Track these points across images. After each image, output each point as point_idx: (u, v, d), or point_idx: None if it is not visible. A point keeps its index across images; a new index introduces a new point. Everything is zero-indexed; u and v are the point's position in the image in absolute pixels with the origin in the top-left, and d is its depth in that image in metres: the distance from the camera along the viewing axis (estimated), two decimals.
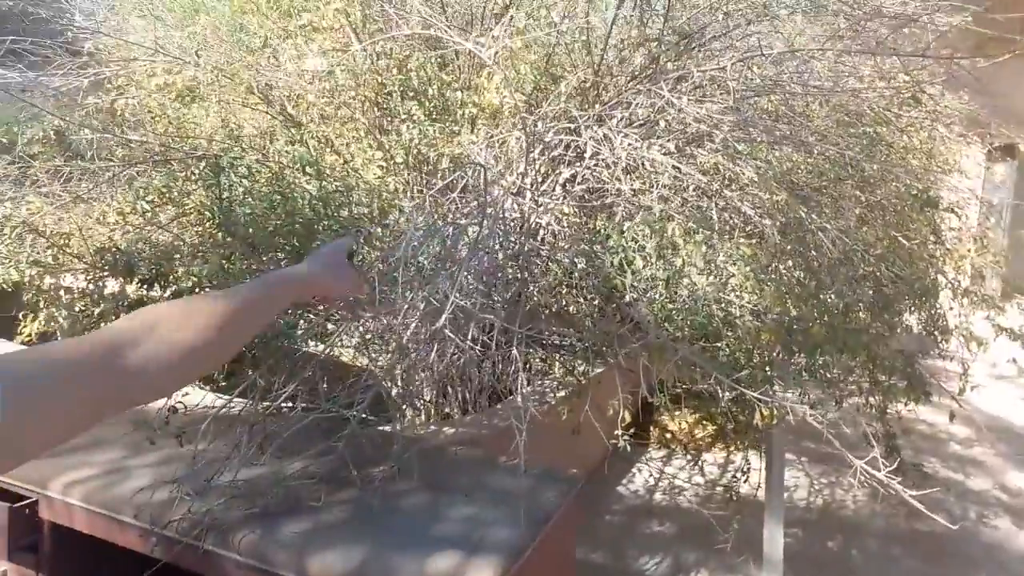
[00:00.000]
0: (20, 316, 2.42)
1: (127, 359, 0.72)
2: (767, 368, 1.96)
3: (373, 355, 1.85)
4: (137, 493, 1.65)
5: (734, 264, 1.78)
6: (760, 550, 2.51)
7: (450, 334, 1.56)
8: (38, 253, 2.15)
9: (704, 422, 4.26)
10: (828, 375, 1.83)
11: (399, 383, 1.89)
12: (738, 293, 1.76)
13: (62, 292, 2.14)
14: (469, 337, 1.66)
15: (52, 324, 2.36)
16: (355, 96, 2.28)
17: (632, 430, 4.06)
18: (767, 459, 2.21)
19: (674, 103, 1.91)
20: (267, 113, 2.43)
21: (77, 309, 1.83)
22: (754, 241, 2.10)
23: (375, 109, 2.45)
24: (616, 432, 2.18)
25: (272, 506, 1.59)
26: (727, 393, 1.70)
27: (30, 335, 2.51)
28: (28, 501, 1.76)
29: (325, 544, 1.48)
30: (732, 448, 3.95)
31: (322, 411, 1.68)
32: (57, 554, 1.81)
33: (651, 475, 3.73)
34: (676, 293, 1.81)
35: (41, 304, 2.35)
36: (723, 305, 1.82)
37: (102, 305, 1.79)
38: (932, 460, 4.16)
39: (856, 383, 2.09)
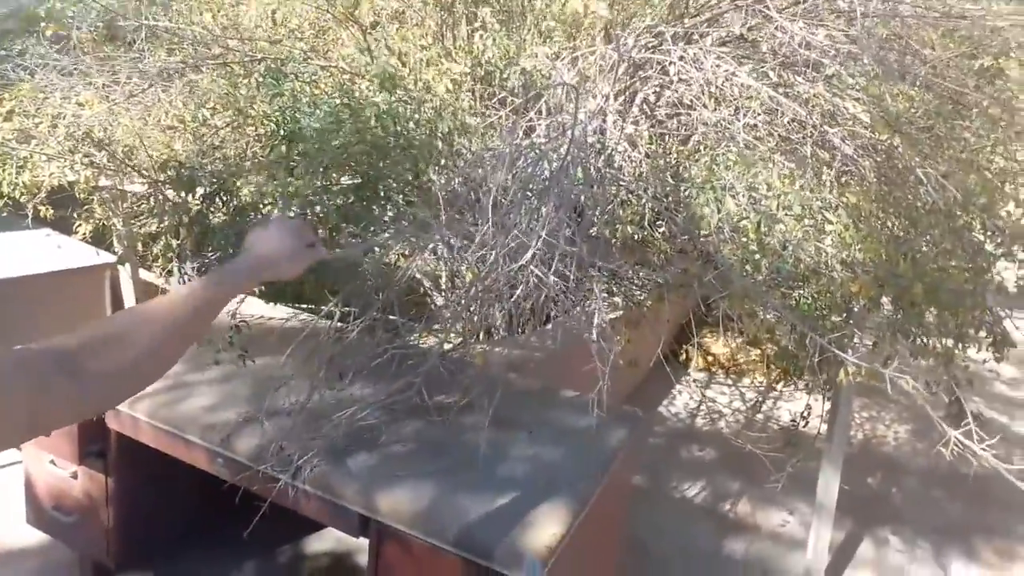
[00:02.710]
0: (75, 215, 2.39)
1: (82, 371, 0.74)
2: (849, 319, 1.87)
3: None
4: (205, 414, 1.64)
5: (833, 211, 1.65)
6: (799, 480, 2.50)
7: (536, 271, 1.47)
8: (92, 154, 2.08)
9: (747, 347, 4.20)
10: (920, 332, 1.73)
11: (468, 315, 1.83)
12: (834, 242, 1.64)
13: (118, 200, 2.08)
14: (552, 271, 1.57)
15: (107, 227, 2.33)
16: (425, 1, 2.10)
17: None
18: (832, 404, 2.15)
19: (783, 25, 1.72)
20: (327, 12, 2.27)
21: (136, 222, 1.76)
22: (847, 182, 1.95)
23: (443, 13, 2.28)
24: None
25: (340, 433, 1.57)
26: (808, 344, 1.62)
27: (84, 235, 2.48)
28: None
29: (393, 480, 1.46)
30: (774, 375, 3.92)
31: (401, 347, 1.63)
32: (124, 461, 1.84)
33: (691, 398, 3.72)
34: (764, 237, 1.70)
35: (96, 205, 2.31)
36: (813, 252, 1.71)
37: (165, 219, 1.73)
38: (976, 400, 4.08)
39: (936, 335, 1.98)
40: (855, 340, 1.72)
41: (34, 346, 0.73)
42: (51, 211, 2.41)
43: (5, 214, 2.48)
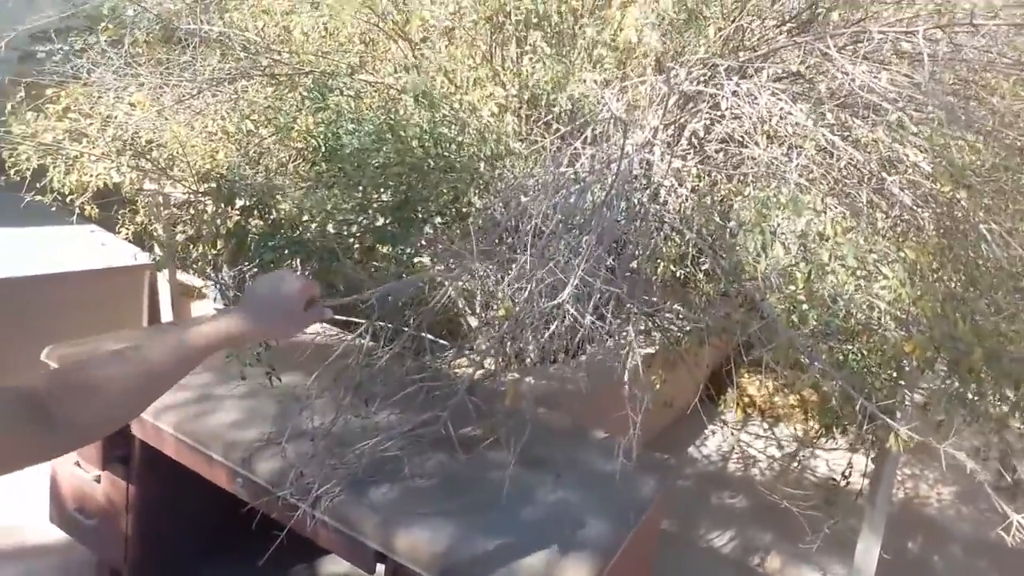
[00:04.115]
0: (119, 215, 2.42)
1: (52, 417, 0.74)
2: (899, 379, 1.77)
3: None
4: (228, 430, 1.62)
5: (889, 265, 1.57)
6: (835, 538, 2.39)
7: (572, 310, 1.42)
8: (140, 155, 2.09)
9: (785, 390, 4.07)
10: (976, 399, 1.63)
11: (502, 345, 1.79)
12: (888, 300, 1.55)
13: (160, 202, 2.09)
14: (590, 307, 1.52)
15: (149, 229, 2.35)
16: (476, 20, 2.07)
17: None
18: (877, 465, 2.04)
19: (844, 67, 1.65)
20: (378, 27, 2.26)
21: (177, 229, 1.76)
22: (903, 232, 1.86)
23: (493, 32, 2.25)
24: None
25: (362, 463, 1.53)
26: (857, 408, 1.53)
27: (127, 235, 2.51)
28: None
29: (413, 517, 1.42)
30: (814, 428, 3.78)
31: (430, 378, 1.59)
32: (146, 468, 1.83)
33: (725, 440, 3.61)
34: (815, 289, 1.62)
35: (139, 207, 2.33)
36: (866, 308, 1.62)
37: (204, 229, 1.72)
38: None
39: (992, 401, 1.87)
40: (905, 403, 1.62)
41: (4, 387, 0.73)
42: (96, 210, 2.44)
43: (54, 209, 2.52)
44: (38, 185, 2.32)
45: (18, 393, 0.73)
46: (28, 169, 2.30)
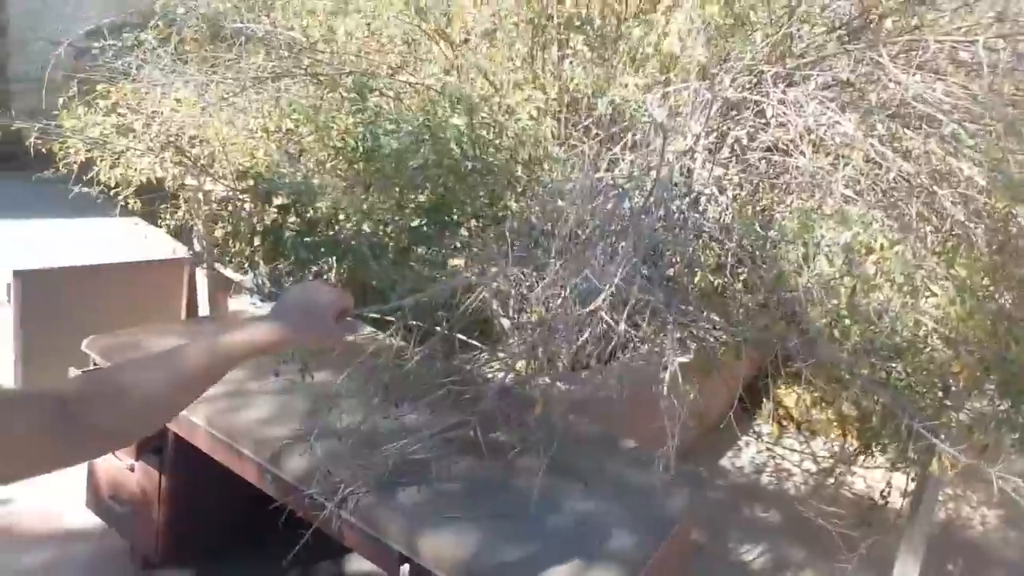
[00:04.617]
0: (161, 210, 2.46)
1: (79, 422, 0.74)
2: (946, 399, 1.71)
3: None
4: (260, 427, 1.63)
5: (938, 282, 1.51)
6: (871, 557, 2.31)
7: (606, 317, 1.40)
8: (181, 153, 2.12)
9: (823, 403, 3.97)
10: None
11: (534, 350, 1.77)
12: (936, 318, 1.50)
13: (200, 196, 2.12)
14: (625, 317, 1.49)
15: (189, 224, 2.38)
16: (517, 23, 2.06)
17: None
18: (918, 485, 1.97)
19: (897, 77, 1.60)
20: (419, 28, 2.26)
21: (217, 224, 1.78)
22: (954, 247, 1.80)
23: (535, 35, 2.23)
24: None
25: (389, 464, 1.52)
26: (903, 428, 1.48)
27: (168, 230, 2.55)
28: None
29: (438, 521, 1.40)
30: (849, 437, 3.68)
31: (460, 382, 1.58)
32: (179, 460, 1.85)
33: (759, 452, 3.54)
34: (859, 303, 1.57)
35: (180, 202, 2.37)
36: (912, 325, 1.57)
37: (241, 226, 1.73)
38: None
39: None
40: (951, 424, 1.56)
41: (34, 391, 0.74)
42: (139, 204, 2.48)
43: (99, 201, 2.58)
44: (85, 178, 2.37)
45: (44, 399, 0.73)
46: (76, 162, 2.36)
